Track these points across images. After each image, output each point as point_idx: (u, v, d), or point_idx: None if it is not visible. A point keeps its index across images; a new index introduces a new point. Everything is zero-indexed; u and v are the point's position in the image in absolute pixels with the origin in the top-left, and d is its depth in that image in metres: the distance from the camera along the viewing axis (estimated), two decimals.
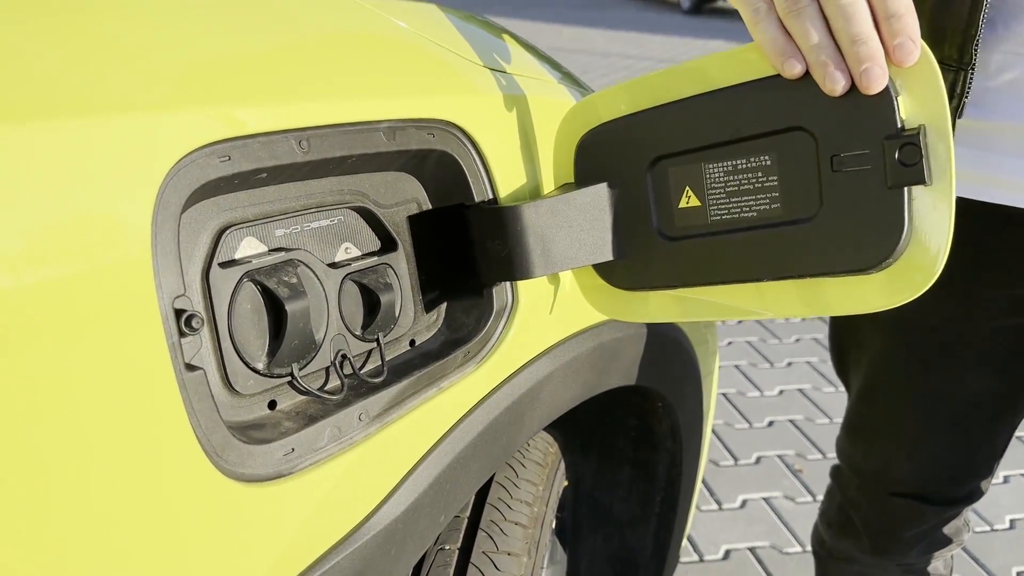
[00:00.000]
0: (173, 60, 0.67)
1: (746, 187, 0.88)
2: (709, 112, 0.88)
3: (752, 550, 2.67)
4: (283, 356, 0.77)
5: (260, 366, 0.76)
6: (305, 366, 0.80)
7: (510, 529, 1.15)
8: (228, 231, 0.75)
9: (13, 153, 0.53)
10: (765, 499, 2.93)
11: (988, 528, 2.83)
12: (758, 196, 0.87)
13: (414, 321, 0.94)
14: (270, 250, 0.79)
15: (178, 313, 0.66)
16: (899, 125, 0.79)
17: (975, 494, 1.48)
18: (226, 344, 0.74)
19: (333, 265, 0.84)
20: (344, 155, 0.79)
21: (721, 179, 0.89)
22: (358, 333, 0.87)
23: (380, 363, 0.87)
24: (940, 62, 0.84)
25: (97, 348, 0.58)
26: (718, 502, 2.90)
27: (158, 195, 0.63)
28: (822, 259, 0.85)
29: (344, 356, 0.84)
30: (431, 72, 0.93)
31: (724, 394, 3.63)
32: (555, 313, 1.05)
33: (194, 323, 0.66)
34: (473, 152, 0.93)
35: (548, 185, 1.01)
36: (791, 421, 3.43)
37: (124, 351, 0.60)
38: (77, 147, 0.57)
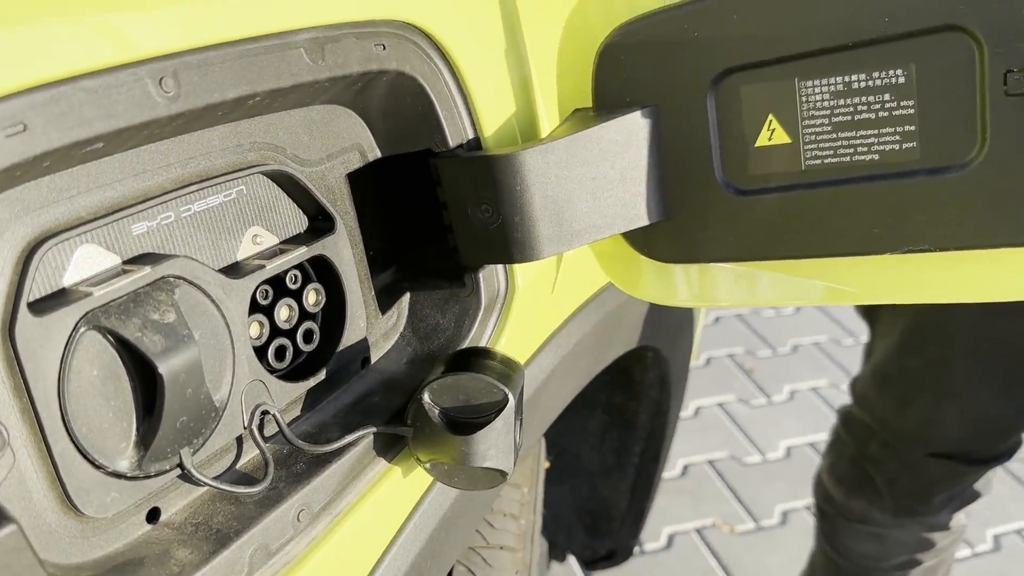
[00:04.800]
0: None
1: (865, 116, 0.59)
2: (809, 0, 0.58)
3: (711, 463, 2.52)
4: (164, 442, 0.46)
5: (126, 465, 0.46)
6: (203, 444, 0.49)
7: (494, 557, 0.89)
8: (44, 246, 0.42)
9: None
10: (719, 404, 2.77)
11: None
12: (883, 130, 0.59)
13: (367, 329, 0.63)
14: (125, 262, 0.47)
15: None
16: None
17: (1018, 445, 1.31)
18: (60, 444, 0.42)
19: (235, 270, 0.52)
20: (242, 94, 0.46)
21: (825, 104, 0.60)
22: (282, 369, 0.56)
23: (318, 417, 0.56)
24: None
25: None
26: None
27: None
28: (979, 226, 0.58)
29: (265, 413, 0.53)
30: None
31: None
32: (558, 290, 0.75)
33: None
34: (444, 71, 0.60)
35: (551, 119, 0.69)
36: (738, 316, 3.27)
37: None
38: None
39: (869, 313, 1.36)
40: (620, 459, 1.57)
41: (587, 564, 1.74)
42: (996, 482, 2.47)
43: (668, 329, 1.20)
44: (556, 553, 1.78)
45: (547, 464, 1.16)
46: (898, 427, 1.30)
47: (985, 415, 1.24)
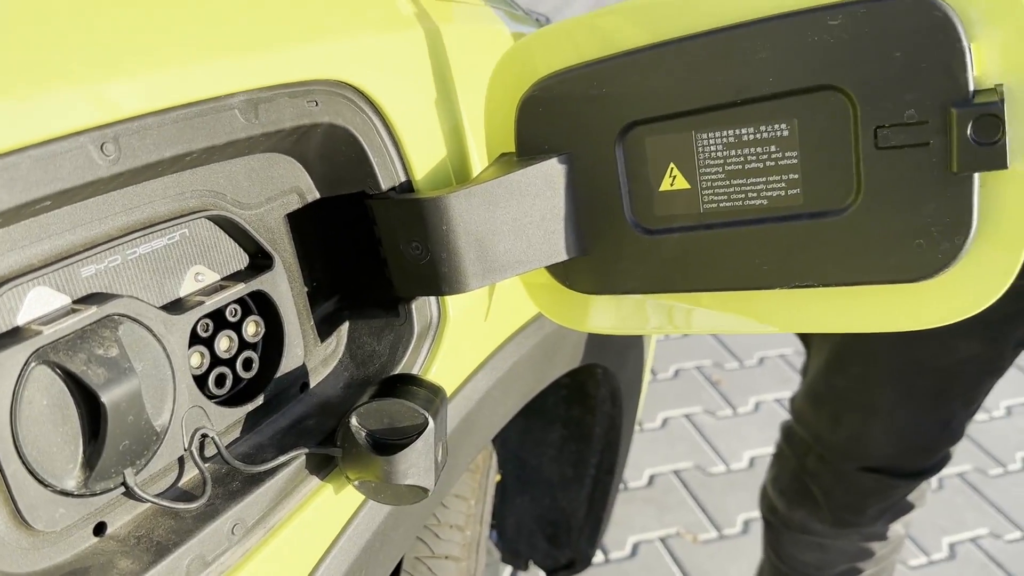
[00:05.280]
0: None
1: (754, 166, 0.65)
2: (705, 61, 0.64)
3: (676, 473, 2.58)
4: (108, 463, 0.52)
5: (72, 484, 0.51)
6: (145, 465, 0.54)
7: (439, 566, 0.94)
8: None
9: None
10: (686, 415, 2.84)
11: None
12: (770, 178, 0.65)
13: (305, 356, 0.68)
14: (75, 302, 0.52)
15: None
16: (971, 88, 0.57)
17: (945, 460, 1.37)
18: (12, 466, 0.48)
19: (178, 306, 0.57)
20: (178, 153, 0.52)
21: (719, 154, 0.66)
22: (221, 395, 0.61)
23: (256, 439, 0.62)
24: None
25: None
26: (639, 422, 2.79)
27: None
28: (856, 265, 0.64)
29: (204, 436, 0.58)
30: (304, 6, 0.64)
31: None
32: (492, 317, 0.81)
33: None
34: (376, 121, 0.66)
35: (482, 161, 0.75)
36: None
37: None
38: None
39: (803, 335, 1.43)
40: (578, 470, 1.63)
41: (549, 573, 1.79)
42: (952, 491, 2.55)
43: (614, 348, 1.26)
44: (519, 562, 1.83)
45: (498, 478, 1.21)
46: (831, 442, 1.36)
47: (908, 433, 1.30)
